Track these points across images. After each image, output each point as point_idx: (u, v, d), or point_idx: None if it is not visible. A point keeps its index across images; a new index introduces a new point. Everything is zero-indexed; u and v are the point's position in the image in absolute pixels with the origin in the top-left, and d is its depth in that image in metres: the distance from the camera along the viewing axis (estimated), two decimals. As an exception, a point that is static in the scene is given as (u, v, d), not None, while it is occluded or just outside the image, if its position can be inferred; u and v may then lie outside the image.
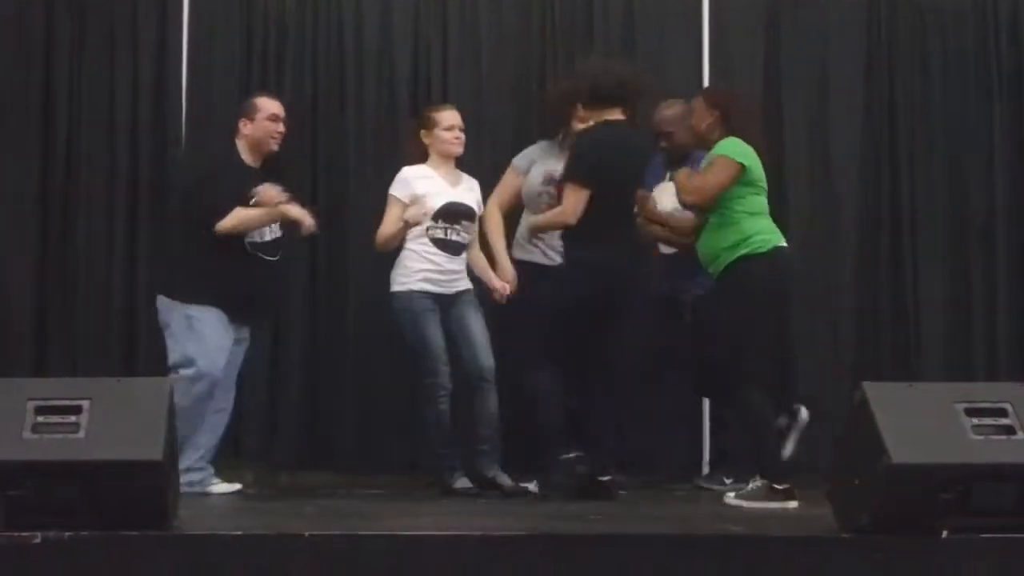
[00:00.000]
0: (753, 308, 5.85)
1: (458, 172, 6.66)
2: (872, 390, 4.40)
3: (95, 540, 4.03)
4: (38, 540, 3.99)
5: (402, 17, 7.50)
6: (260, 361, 6.99)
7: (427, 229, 6.46)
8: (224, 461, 6.62)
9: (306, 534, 4.20)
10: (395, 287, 6.49)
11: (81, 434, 4.18)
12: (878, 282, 7.55)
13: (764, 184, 6.00)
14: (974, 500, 4.23)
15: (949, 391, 4.51)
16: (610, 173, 6.09)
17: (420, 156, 6.62)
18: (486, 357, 6.44)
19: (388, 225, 6.48)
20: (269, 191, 6.30)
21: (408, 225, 6.42)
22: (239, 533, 4.23)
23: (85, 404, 4.23)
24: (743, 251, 5.86)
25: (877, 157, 7.57)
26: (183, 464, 6.42)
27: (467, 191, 6.63)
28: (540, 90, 7.26)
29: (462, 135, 6.63)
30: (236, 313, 6.40)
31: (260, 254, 6.40)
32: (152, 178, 7.28)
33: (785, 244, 6.01)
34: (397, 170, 6.60)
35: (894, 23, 7.65)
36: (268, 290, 6.54)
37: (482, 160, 7.33)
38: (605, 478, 6.05)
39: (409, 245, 6.49)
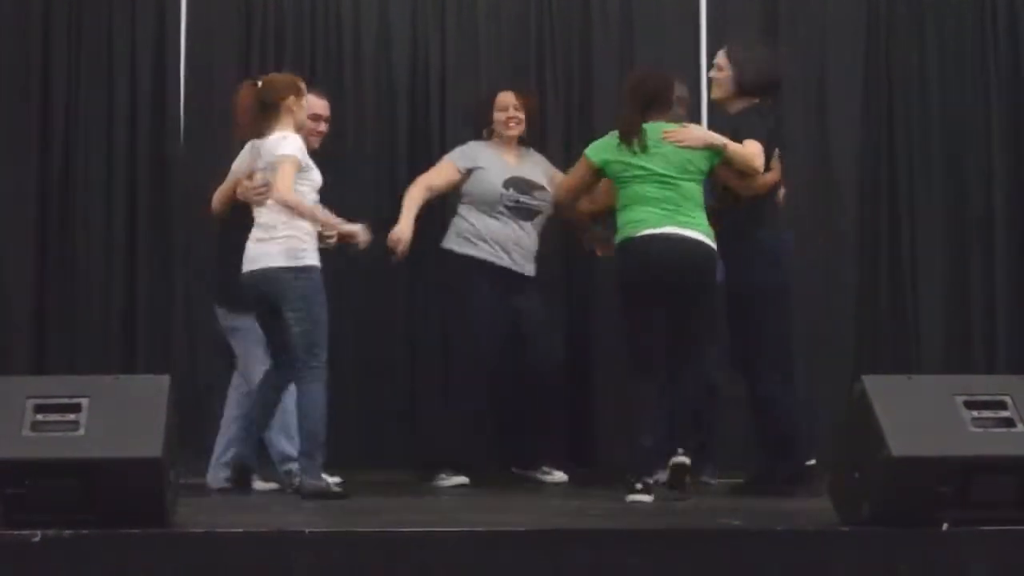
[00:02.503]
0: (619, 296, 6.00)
1: None
2: (871, 383, 4.40)
3: (94, 538, 4.03)
4: (37, 538, 3.99)
5: (400, 11, 7.49)
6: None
7: None
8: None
9: (306, 531, 4.20)
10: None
11: (80, 432, 4.18)
12: (877, 281, 7.53)
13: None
14: (974, 492, 4.23)
15: (948, 383, 4.52)
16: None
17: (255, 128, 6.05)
18: None
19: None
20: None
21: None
22: (239, 530, 4.22)
23: (84, 402, 4.24)
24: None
25: (876, 157, 7.55)
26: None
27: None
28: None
29: None
30: None
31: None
32: (151, 173, 7.26)
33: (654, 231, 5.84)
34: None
35: (893, 23, 7.62)
36: None
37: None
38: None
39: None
